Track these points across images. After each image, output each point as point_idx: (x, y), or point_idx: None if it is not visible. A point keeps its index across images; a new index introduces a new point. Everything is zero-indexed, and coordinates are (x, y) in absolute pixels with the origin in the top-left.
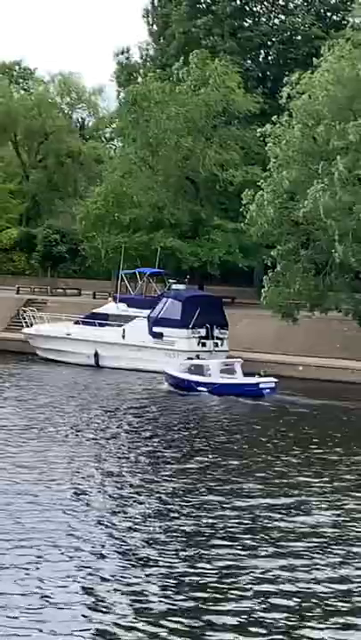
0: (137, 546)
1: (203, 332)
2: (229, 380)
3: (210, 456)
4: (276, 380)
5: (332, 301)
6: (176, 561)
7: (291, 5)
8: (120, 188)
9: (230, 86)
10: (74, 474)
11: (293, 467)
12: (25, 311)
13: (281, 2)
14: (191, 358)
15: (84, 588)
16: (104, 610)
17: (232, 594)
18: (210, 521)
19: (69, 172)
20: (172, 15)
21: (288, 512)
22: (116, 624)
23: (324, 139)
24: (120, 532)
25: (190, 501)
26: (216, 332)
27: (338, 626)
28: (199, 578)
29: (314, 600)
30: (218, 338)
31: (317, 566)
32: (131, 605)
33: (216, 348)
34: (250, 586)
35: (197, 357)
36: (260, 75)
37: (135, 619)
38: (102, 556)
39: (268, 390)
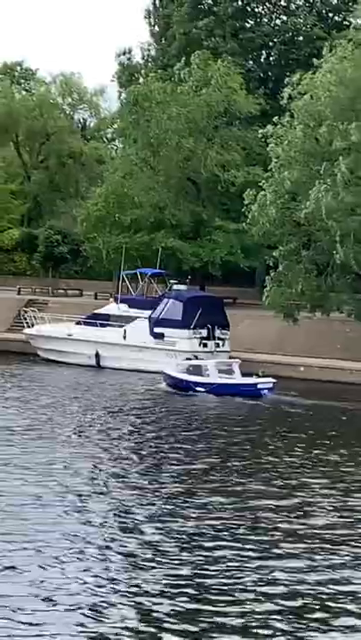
0: (139, 547)
1: (204, 332)
2: (227, 380)
3: (213, 457)
4: (274, 380)
5: (334, 302)
6: (179, 563)
7: (292, 6)
8: (121, 188)
9: (232, 87)
10: (76, 475)
11: (295, 468)
12: (26, 312)
13: (283, 2)
14: (189, 359)
15: (86, 588)
16: (106, 611)
17: (235, 595)
18: (213, 522)
19: (71, 172)
20: (174, 16)
21: (291, 513)
22: (118, 626)
23: (326, 139)
24: (122, 533)
25: (193, 503)
26: (217, 333)
27: (342, 628)
28: (202, 579)
29: (318, 602)
30: (219, 338)
31: (321, 568)
32: (133, 607)
33: (217, 349)
34: (254, 587)
35: (195, 358)
36: (261, 75)
37: (138, 620)
38: (104, 558)
39: (266, 391)
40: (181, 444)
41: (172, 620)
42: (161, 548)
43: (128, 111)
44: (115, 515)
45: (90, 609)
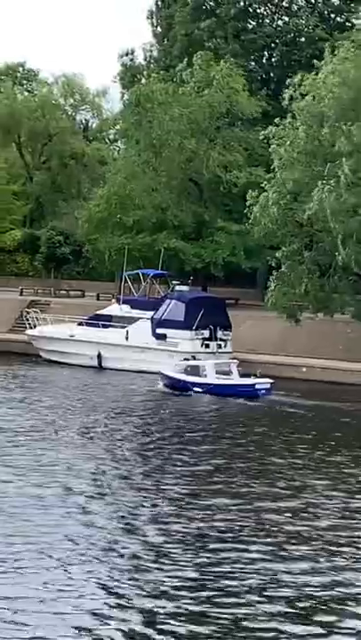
0: (143, 549)
1: (206, 333)
2: (225, 380)
3: (216, 459)
4: (271, 380)
5: (337, 303)
6: (182, 564)
7: (294, 7)
8: (123, 190)
9: (234, 88)
10: (80, 476)
11: (298, 469)
12: (28, 312)
13: (285, 4)
14: (187, 359)
15: (89, 590)
16: (110, 613)
17: (239, 597)
18: (217, 524)
19: (73, 173)
20: (176, 17)
21: (295, 515)
22: (121, 628)
23: (328, 141)
24: (126, 534)
25: (197, 504)
26: (219, 334)
27: (347, 631)
28: (206, 581)
29: (322, 605)
30: (221, 339)
31: (325, 570)
32: (136, 608)
33: (219, 350)
34: (258, 589)
35: (193, 358)
36: (263, 76)
37: (141, 622)
38: (108, 560)
39: (263, 391)
40: (184, 445)
41: (175, 622)
42: (165, 550)
43: (130, 112)
44: (118, 516)
45: (93, 611)
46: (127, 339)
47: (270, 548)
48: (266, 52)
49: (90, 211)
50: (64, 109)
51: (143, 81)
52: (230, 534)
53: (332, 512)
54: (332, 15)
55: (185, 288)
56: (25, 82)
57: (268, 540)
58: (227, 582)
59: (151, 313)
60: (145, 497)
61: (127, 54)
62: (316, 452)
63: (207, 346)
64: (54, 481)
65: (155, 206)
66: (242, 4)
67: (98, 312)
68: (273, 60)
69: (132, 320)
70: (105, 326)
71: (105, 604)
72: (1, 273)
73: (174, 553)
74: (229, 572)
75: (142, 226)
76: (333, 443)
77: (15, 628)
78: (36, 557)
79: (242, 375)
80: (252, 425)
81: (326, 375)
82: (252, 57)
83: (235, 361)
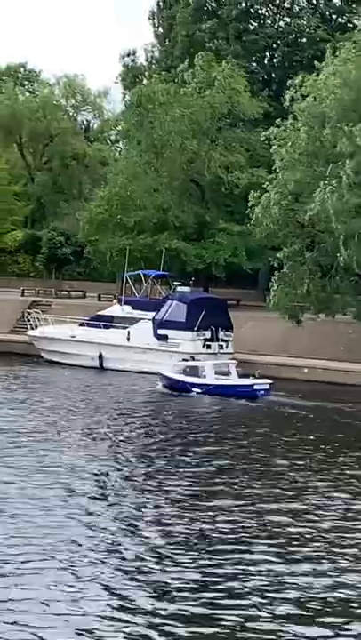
0: (145, 550)
1: (208, 334)
2: (224, 381)
3: (219, 460)
4: (270, 381)
5: (339, 304)
6: (185, 566)
7: (296, 8)
8: (124, 190)
9: (236, 88)
10: (82, 477)
11: (300, 470)
12: (30, 313)
13: (286, 4)
14: (186, 359)
15: (91, 591)
16: (112, 615)
17: (242, 599)
18: (219, 526)
19: (74, 174)
20: (177, 17)
21: (298, 517)
22: (124, 630)
23: (330, 141)
24: (127, 536)
25: (199, 505)
26: (221, 335)
27: (350, 632)
28: (209, 583)
29: (326, 607)
30: (223, 340)
31: (328, 572)
32: (139, 610)
33: (221, 351)
34: (260, 592)
35: (192, 359)
36: (265, 77)
37: (144, 624)
38: (110, 561)
39: (262, 392)
40: (186, 446)
41: (178, 623)
42: (167, 551)
43: (132, 113)
44: (121, 517)
45: (95, 613)
46: (129, 339)
47: (273, 549)
48: (267, 53)
49: (91, 212)
50: (65, 110)
51: (145, 82)
52: (233, 536)
53: (335, 513)
54: (334, 16)
55: (186, 289)
56: (26, 82)
57: (271, 541)
58: (229, 584)
59: (153, 314)
60: (148, 498)
61: (129, 55)
62: (318, 454)
63: (209, 347)
64: (57, 482)
65: (156, 207)
66: (243, 5)
67: (99, 313)
68: (274, 60)
69: (133, 321)
70: (106, 327)
71: (108, 605)
72: (2, 274)
73: (177, 554)
74: (232, 574)
75: (143, 226)
76: (335, 444)
77: (17, 629)
78: (38, 559)
79: (242, 376)
80: (253, 426)
81: (328, 376)
82: (254, 58)
83: (233, 361)
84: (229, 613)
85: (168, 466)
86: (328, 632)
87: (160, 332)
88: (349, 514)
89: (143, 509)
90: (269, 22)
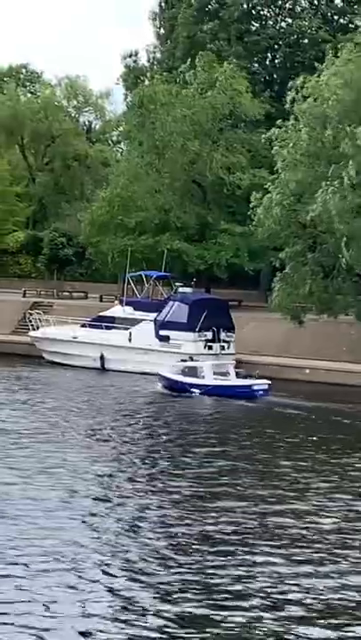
0: (146, 552)
1: (209, 335)
2: (223, 381)
3: (220, 461)
4: (269, 382)
5: (341, 305)
6: (187, 567)
7: (298, 9)
8: (125, 191)
9: (237, 89)
10: (85, 479)
11: (302, 471)
12: (31, 314)
13: (288, 5)
14: (185, 360)
15: (92, 593)
16: (114, 616)
17: (244, 601)
18: (221, 527)
19: (76, 175)
20: (179, 18)
21: (300, 518)
22: (126, 632)
23: (331, 142)
24: (129, 537)
25: (202, 507)
26: (223, 335)
27: (353, 635)
28: (211, 585)
29: (328, 609)
30: (224, 341)
31: (330, 574)
32: (140, 612)
33: (223, 352)
34: (262, 593)
35: (191, 359)
36: (266, 78)
37: (145, 626)
38: (112, 562)
39: (260, 392)
40: (189, 447)
41: (180, 625)
42: (169, 553)
43: (133, 114)
44: (123, 519)
45: (97, 614)
46: (130, 340)
47: (276, 550)
48: (269, 54)
49: (92, 213)
50: (67, 111)
51: (146, 82)
52: (236, 537)
53: (338, 515)
54: (336, 17)
55: (188, 290)
56: (28, 83)
57: (274, 542)
58: (233, 586)
59: (154, 315)
60: (150, 499)
61: (130, 56)
62: (320, 455)
63: (210, 347)
64: (59, 483)
65: (158, 208)
66: (245, 6)
67: (101, 314)
68: (276, 61)
69: (135, 322)
70: (108, 328)
71: (110, 607)
72: (4, 274)
73: (180, 556)
74: (235, 575)
75: (145, 227)
76: (338, 445)
77: (19, 631)
78: (41, 560)
79: (244, 376)
80: (254, 427)
81: (330, 377)
82: (255, 59)
83: (232, 362)
84: (232, 614)
85: (170, 467)
86: (331, 634)
87: (162, 332)
88: (352, 515)
89: (146, 510)
90: (271, 23)
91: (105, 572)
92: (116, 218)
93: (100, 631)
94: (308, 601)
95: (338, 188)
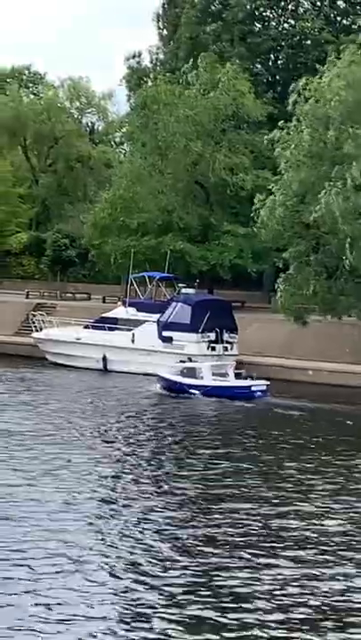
0: (148, 553)
1: (212, 336)
2: (221, 382)
3: (224, 462)
4: (267, 382)
5: (345, 305)
6: (189, 569)
7: (300, 10)
8: (127, 193)
9: (240, 90)
10: (87, 480)
11: (306, 473)
12: (34, 315)
13: (291, 7)
14: (183, 361)
15: (94, 596)
16: (116, 618)
17: (247, 603)
18: (225, 529)
19: (79, 176)
20: (182, 19)
21: (303, 519)
22: (126, 635)
23: (334, 143)
24: (131, 539)
25: (205, 508)
26: (226, 337)
27: (359, 637)
28: (214, 587)
29: (331, 612)
30: (227, 342)
31: (333, 576)
32: (142, 614)
33: (226, 353)
34: (265, 596)
35: (190, 360)
36: (269, 79)
37: (148, 628)
38: (114, 564)
39: (259, 393)
40: (193, 448)
41: (183, 628)
42: (172, 555)
43: (136, 115)
44: (127, 521)
45: (99, 617)
46: (133, 341)
47: (280, 552)
48: (272, 55)
49: (95, 215)
50: (70, 112)
51: (149, 83)
52: (240, 539)
53: (343, 517)
54: (338, 18)
55: (191, 291)
56: (31, 85)
57: (278, 544)
58: (237, 588)
59: (157, 316)
60: (154, 501)
61: (134, 57)
62: (324, 456)
63: (213, 348)
64: (63, 485)
65: (160, 209)
66: (248, 7)
67: (104, 315)
68: (279, 62)
69: (138, 323)
70: (111, 329)
71: (114, 609)
72: (7, 276)
73: (184, 558)
74: (239, 578)
75: (147, 228)
76: (342, 447)
77: (24, 634)
78: (45, 563)
79: (245, 377)
80: (258, 428)
81: (333, 378)
82: (258, 60)
83: (232, 363)
84: (238, 617)
85: (175, 468)
86: (337, 637)
87: (165, 334)
88: (357, 517)
89: (151, 512)
90: (274, 24)
91: (109, 574)
92: (119, 219)
93: (105, 633)
94: (314, 603)
95: (341, 190)
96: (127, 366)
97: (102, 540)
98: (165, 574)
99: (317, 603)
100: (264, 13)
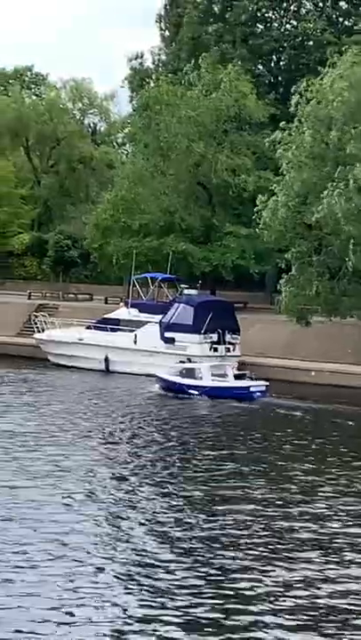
0: (149, 555)
1: (215, 337)
2: (221, 383)
3: (228, 464)
4: (266, 383)
5: (347, 306)
6: (192, 570)
7: (303, 11)
8: (129, 194)
9: (242, 91)
10: (91, 481)
11: (309, 473)
12: (37, 316)
13: (293, 7)
14: (183, 362)
15: (94, 598)
16: (117, 619)
17: (250, 605)
18: (228, 531)
19: (81, 177)
20: (184, 19)
21: (306, 521)
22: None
23: (336, 144)
24: (133, 541)
25: (206, 510)
26: (228, 337)
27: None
28: (217, 588)
29: (334, 614)
30: (230, 343)
31: (336, 578)
32: (144, 616)
33: (228, 354)
34: (268, 597)
35: (189, 361)
36: (271, 80)
37: (150, 631)
38: (115, 565)
39: (258, 393)
40: (197, 450)
41: (185, 630)
42: (174, 557)
43: (139, 116)
44: (130, 523)
45: (103, 620)
46: (135, 342)
47: (284, 554)
48: (274, 56)
49: (97, 216)
50: (72, 113)
51: (152, 84)
52: (243, 541)
53: (345, 518)
54: (341, 19)
55: (193, 292)
56: (33, 86)
57: (281, 546)
58: (240, 590)
59: (159, 317)
60: (158, 503)
61: (136, 58)
62: (328, 457)
63: (216, 349)
64: (66, 486)
65: (162, 210)
66: (250, 8)
67: (106, 316)
68: (281, 63)
69: (140, 324)
70: (113, 330)
71: (116, 611)
72: (9, 277)
73: (187, 559)
74: (242, 580)
75: (150, 229)
76: (345, 448)
77: (26, 638)
78: (47, 565)
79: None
80: (261, 429)
81: (335, 379)
82: (260, 61)
83: (232, 363)
84: (240, 619)
85: (178, 470)
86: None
87: (167, 334)
88: (359, 518)
89: (154, 514)
90: (276, 25)
91: (113, 576)
92: (121, 220)
93: (108, 635)
94: (318, 605)
95: (343, 190)
96: (129, 367)
97: (105, 541)
98: (169, 576)
99: (322, 604)
100: (266, 14)
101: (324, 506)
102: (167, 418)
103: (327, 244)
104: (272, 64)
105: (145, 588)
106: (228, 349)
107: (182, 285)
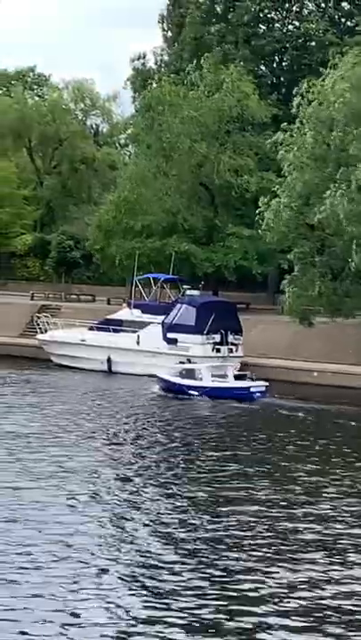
0: (151, 556)
1: (217, 337)
2: (221, 383)
3: (231, 465)
4: (266, 383)
5: (349, 307)
6: (195, 572)
7: (305, 12)
8: (132, 195)
9: (245, 92)
10: (94, 482)
11: (313, 474)
12: (39, 317)
13: (295, 8)
14: (183, 362)
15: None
16: (118, 620)
17: (253, 606)
18: (231, 532)
19: (83, 178)
20: (187, 19)
21: (309, 522)
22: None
23: (338, 145)
24: (134, 543)
25: (210, 510)
26: (230, 338)
27: None
28: (220, 589)
29: (337, 615)
30: (232, 344)
31: (339, 579)
32: (146, 618)
33: (230, 354)
34: (271, 599)
35: (189, 361)
36: (273, 81)
37: (152, 632)
38: (118, 567)
39: (258, 394)
40: (200, 451)
41: (187, 631)
42: (176, 558)
43: (141, 116)
44: (132, 524)
45: (108, 621)
46: (138, 343)
47: (288, 556)
48: (276, 57)
49: (100, 217)
50: (74, 114)
51: (154, 85)
52: (247, 542)
53: (350, 518)
54: (343, 19)
55: (196, 292)
56: (35, 87)
57: (285, 547)
58: (242, 591)
59: (162, 317)
60: (162, 504)
61: (139, 58)
62: (331, 458)
63: (218, 350)
64: (69, 487)
65: (165, 210)
66: (253, 9)
67: (108, 317)
68: (283, 64)
69: (142, 324)
70: (116, 331)
71: (119, 613)
72: (12, 277)
73: (190, 560)
74: (246, 581)
75: (152, 230)
76: (348, 448)
77: (30, 639)
78: (51, 567)
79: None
80: (263, 430)
81: (338, 379)
82: (263, 61)
83: (232, 364)
84: (244, 620)
85: (182, 471)
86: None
87: (169, 335)
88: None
89: (158, 515)
90: (278, 26)
91: (116, 578)
92: (123, 221)
93: (111, 637)
94: (322, 606)
95: (346, 191)
96: (132, 368)
97: (109, 542)
98: (174, 577)
99: (326, 606)
100: (269, 15)
101: (328, 507)
102: (170, 418)
103: (330, 244)
104: (274, 65)
105: (149, 589)
106: (230, 350)
107: (185, 286)
